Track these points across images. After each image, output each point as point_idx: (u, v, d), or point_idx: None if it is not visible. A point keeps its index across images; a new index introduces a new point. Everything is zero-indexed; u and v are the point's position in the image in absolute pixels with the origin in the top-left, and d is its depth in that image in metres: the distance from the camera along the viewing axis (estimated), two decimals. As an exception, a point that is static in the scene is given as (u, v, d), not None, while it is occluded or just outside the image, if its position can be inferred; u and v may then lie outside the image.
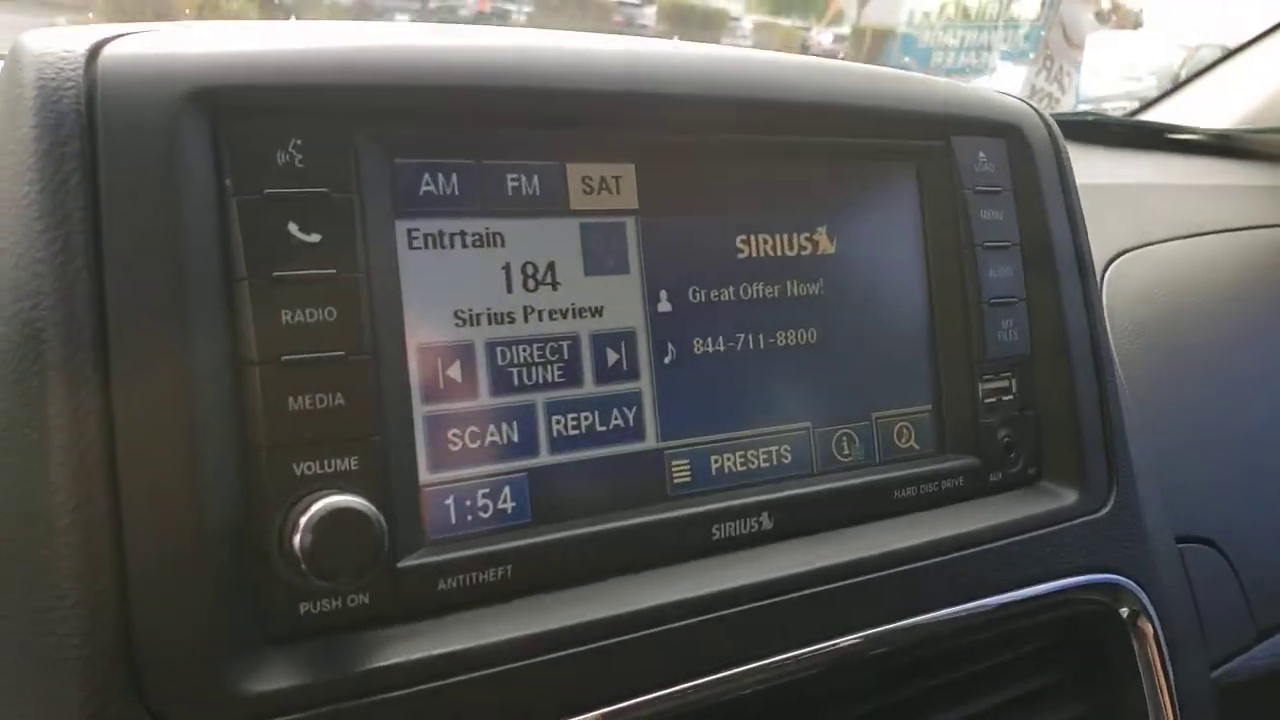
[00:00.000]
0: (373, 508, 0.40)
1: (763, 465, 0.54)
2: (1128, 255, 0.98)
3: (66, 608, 0.37)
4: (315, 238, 0.42)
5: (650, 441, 0.51)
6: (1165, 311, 0.95)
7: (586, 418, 0.50)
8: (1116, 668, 0.64)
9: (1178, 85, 1.53)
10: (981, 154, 0.62)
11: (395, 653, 0.42)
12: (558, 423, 0.49)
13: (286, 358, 0.41)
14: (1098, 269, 0.90)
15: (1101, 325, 0.65)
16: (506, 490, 0.47)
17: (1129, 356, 0.86)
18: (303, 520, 0.39)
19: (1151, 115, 1.45)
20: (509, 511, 0.47)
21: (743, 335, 0.54)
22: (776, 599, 0.50)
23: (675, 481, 0.52)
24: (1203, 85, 1.46)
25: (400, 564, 0.43)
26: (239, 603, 0.40)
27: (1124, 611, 0.63)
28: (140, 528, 0.38)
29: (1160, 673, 0.64)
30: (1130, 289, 0.94)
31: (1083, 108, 2.13)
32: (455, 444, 0.46)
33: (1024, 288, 0.62)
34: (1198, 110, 1.39)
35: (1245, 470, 0.88)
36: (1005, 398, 0.62)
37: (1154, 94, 1.53)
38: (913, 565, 0.54)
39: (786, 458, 0.55)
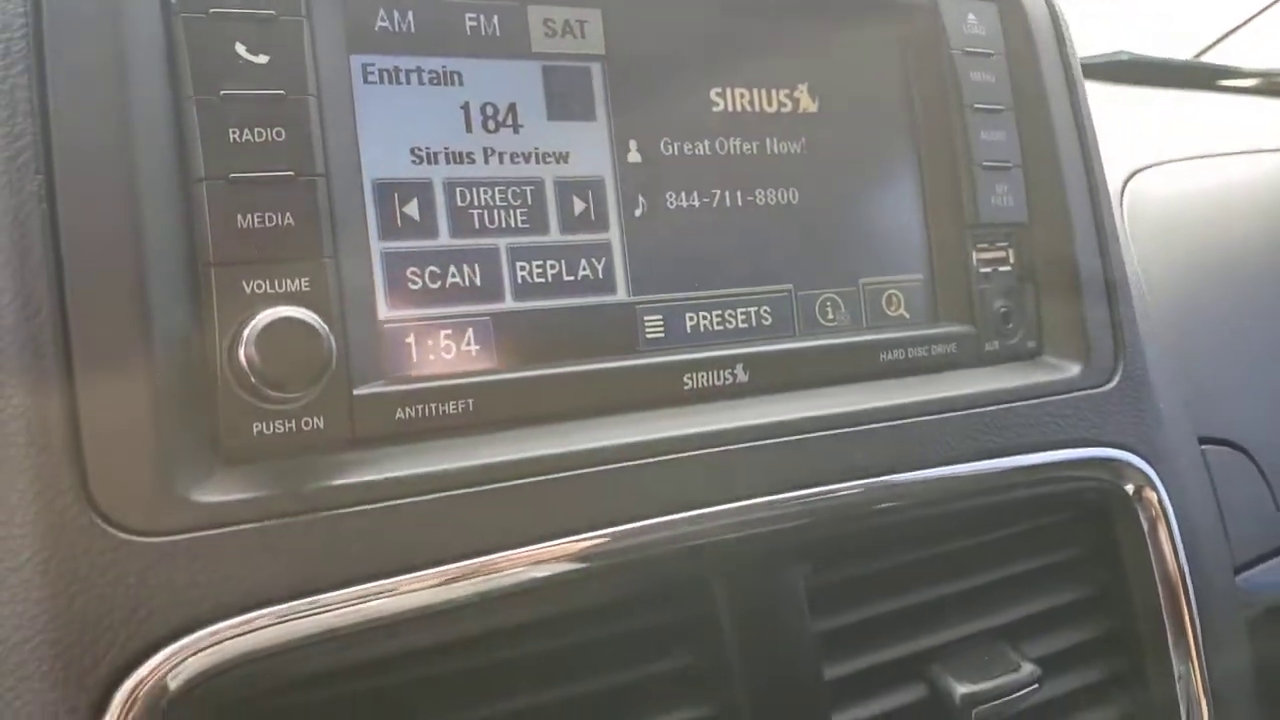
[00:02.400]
0: (318, 319, 0.40)
1: (741, 326, 0.53)
2: (1146, 171, 0.95)
3: (12, 405, 0.37)
4: (263, 59, 0.42)
5: (621, 295, 0.50)
6: (1187, 225, 0.92)
7: (553, 266, 0.49)
8: (1126, 548, 0.61)
9: (1227, 33, 1.49)
10: (971, 16, 0.60)
11: (350, 474, 0.41)
12: (522, 269, 0.48)
13: (235, 175, 0.41)
14: (1115, 185, 0.88)
15: (1104, 194, 0.62)
16: (470, 333, 0.47)
17: (1150, 267, 0.83)
18: (246, 332, 0.39)
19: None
20: (473, 354, 0.47)
21: (719, 191, 0.53)
22: (754, 443, 0.49)
23: (648, 337, 0.51)
24: (1251, 30, 1.42)
25: (357, 391, 0.43)
26: (190, 417, 0.40)
27: (1129, 488, 0.60)
28: (88, 336, 0.38)
29: (1171, 554, 0.61)
30: (1150, 204, 0.91)
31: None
32: (415, 283, 0.46)
33: (1019, 153, 0.60)
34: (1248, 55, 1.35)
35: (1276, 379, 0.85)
36: (1002, 268, 0.60)
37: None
38: (900, 421, 0.53)
39: (767, 319, 0.54)
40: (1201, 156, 0.98)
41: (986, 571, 0.58)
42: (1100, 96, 0.69)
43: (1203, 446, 0.76)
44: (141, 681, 0.36)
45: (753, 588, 0.49)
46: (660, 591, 0.48)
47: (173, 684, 0.37)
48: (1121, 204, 0.89)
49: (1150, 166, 0.95)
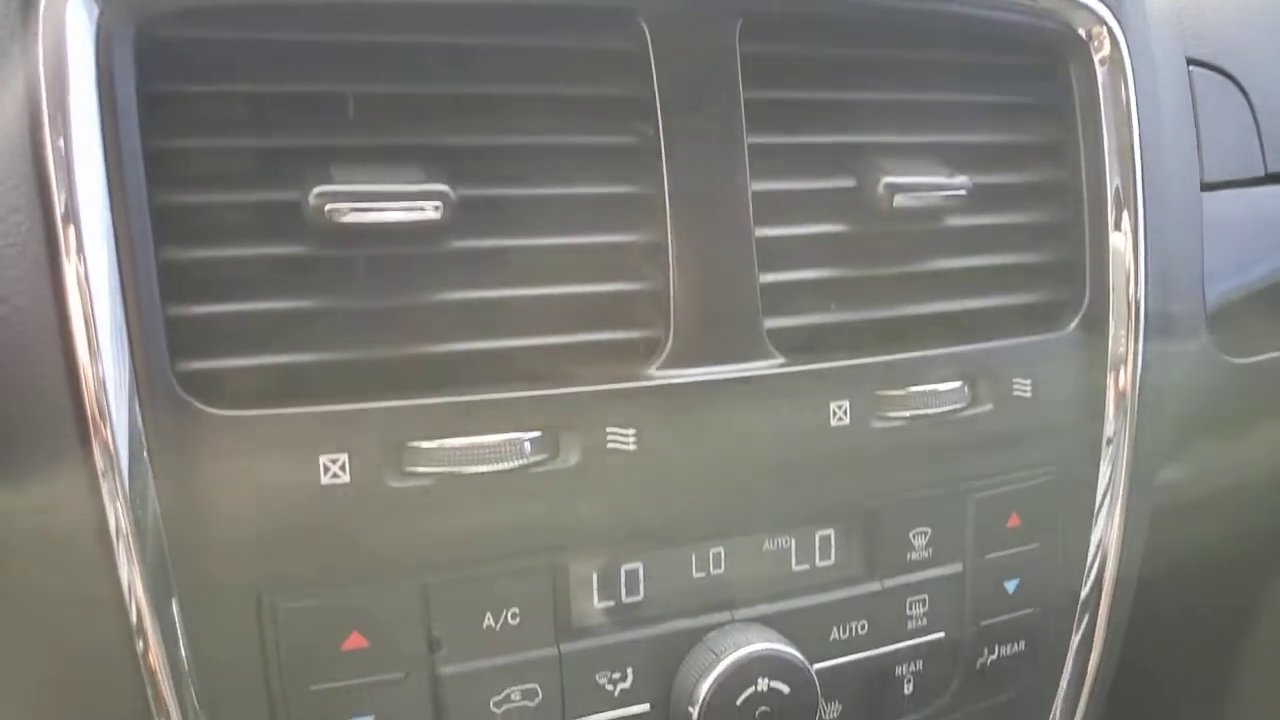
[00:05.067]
0: None
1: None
2: None
3: None
4: None
5: None
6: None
7: None
8: (1079, 98, 0.61)
9: None
10: None
11: None
12: None
13: None
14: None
15: None
16: None
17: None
18: None
19: None
20: None
21: None
22: None
23: None
24: None
25: None
26: None
27: (1082, 31, 0.60)
28: None
29: (1124, 112, 0.61)
30: None
31: None
32: None
33: None
34: None
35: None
36: None
37: None
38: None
39: None
40: None
41: (933, 91, 0.59)
42: None
43: (1191, 67, 0.76)
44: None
45: (685, 32, 0.51)
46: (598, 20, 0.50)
47: None
48: None
49: None
